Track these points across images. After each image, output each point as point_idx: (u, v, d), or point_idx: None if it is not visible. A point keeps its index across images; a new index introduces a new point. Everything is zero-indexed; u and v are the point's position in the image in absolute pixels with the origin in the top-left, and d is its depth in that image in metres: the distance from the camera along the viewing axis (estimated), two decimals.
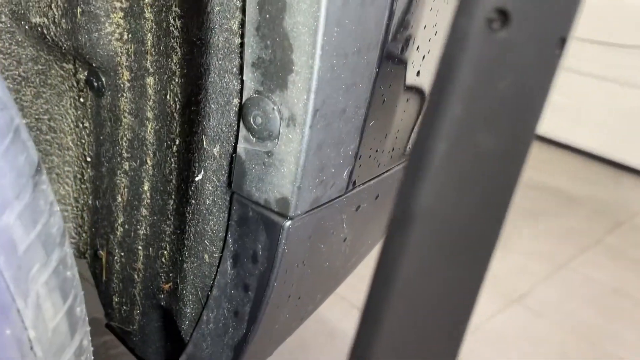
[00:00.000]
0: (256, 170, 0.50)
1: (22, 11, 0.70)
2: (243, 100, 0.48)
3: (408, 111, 0.62)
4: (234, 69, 0.48)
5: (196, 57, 0.53)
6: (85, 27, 0.64)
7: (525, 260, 1.98)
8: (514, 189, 0.29)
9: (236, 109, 0.49)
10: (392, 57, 0.52)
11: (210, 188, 0.55)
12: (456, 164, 0.27)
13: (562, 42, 0.26)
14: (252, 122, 0.48)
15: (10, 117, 0.32)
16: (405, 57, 0.55)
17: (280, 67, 0.44)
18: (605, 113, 2.86)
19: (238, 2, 0.45)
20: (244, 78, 0.47)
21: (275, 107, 0.46)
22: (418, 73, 0.59)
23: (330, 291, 0.76)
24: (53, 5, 0.66)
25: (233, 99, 0.49)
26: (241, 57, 0.47)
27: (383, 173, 0.64)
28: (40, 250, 0.38)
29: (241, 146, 0.50)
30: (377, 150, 0.59)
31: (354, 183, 0.57)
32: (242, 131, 0.49)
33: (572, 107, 2.90)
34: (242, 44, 0.46)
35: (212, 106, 0.51)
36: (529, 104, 0.27)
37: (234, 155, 0.51)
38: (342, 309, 1.50)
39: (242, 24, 0.45)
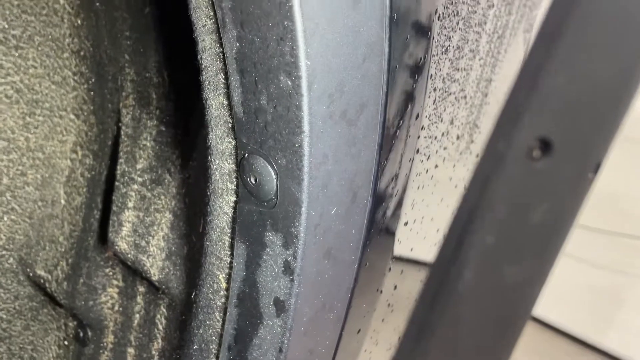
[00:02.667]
0: None
1: (30, 261, 0.80)
2: None
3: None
4: None
5: None
6: (83, 295, 0.74)
7: None
8: (527, 316, 0.26)
9: None
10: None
11: None
12: (478, 294, 0.24)
13: (597, 166, 0.25)
14: None
15: None
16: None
17: None
18: (571, 290, 2.96)
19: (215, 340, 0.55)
20: None
21: None
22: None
23: None
24: (59, 267, 0.77)
25: None
26: None
27: None
28: None
29: None
30: None
31: None
32: None
33: None
34: None
35: None
36: (558, 231, 0.25)
37: None
38: None
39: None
